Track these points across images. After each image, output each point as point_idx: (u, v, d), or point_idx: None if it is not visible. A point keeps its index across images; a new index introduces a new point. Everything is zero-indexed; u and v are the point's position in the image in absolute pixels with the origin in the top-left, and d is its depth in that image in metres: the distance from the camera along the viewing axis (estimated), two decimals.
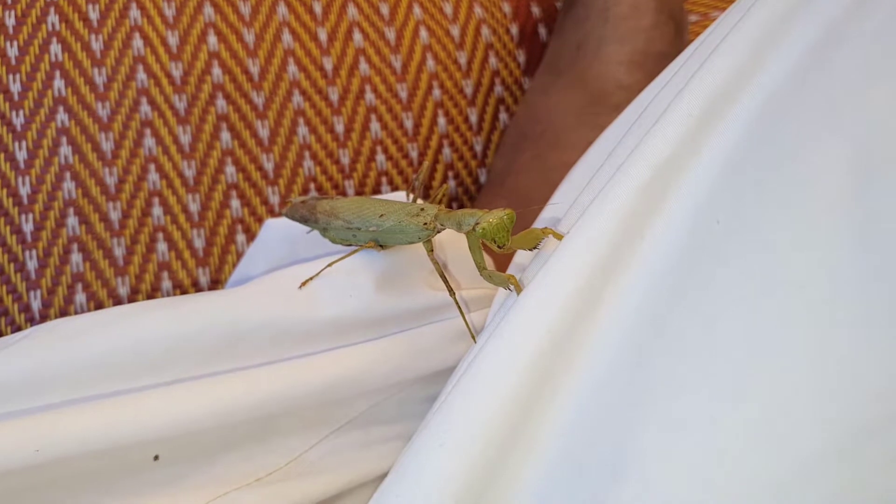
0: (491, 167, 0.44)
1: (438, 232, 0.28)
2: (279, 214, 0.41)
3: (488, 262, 0.31)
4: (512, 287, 0.23)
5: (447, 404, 0.21)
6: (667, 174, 0.21)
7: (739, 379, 0.17)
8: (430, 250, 0.29)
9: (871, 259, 0.17)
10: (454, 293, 0.27)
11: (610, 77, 0.40)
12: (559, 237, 0.23)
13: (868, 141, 0.18)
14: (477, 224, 0.25)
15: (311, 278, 0.29)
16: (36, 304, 0.38)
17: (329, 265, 0.29)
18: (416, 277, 0.31)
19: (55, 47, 0.41)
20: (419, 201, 0.30)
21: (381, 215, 0.29)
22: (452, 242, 0.31)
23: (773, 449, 0.16)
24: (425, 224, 0.28)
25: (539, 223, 0.29)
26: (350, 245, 0.31)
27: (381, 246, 0.30)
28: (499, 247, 0.25)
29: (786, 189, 0.19)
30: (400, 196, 0.34)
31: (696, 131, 0.22)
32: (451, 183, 0.45)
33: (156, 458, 0.26)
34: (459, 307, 0.26)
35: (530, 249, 0.25)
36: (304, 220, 0.32)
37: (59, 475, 0.24)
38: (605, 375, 0.20)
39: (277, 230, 0.34)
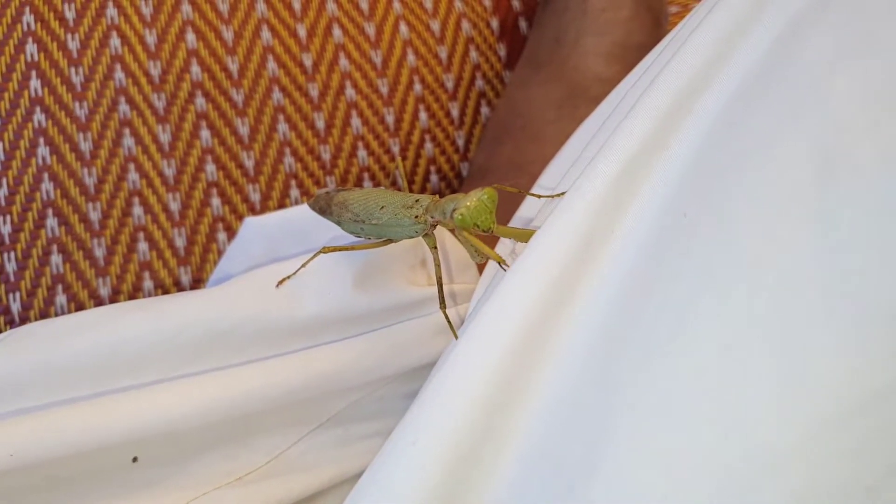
0: (472, 161, 0.44)
1: (433, 226, 0.26)
2: (260, 212, 0.41)
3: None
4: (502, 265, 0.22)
5: (420, 401, 0.21)
6: (635, 169, 0.21)
7: (708, 371, 0.17)
8: (433, 246, 0.27)
9: (833, 250, 0.17)
10: (442, 287, 0.26)
11: (588, 69, 0.40)
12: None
13: (830, 133, 0.18)
14: (455, 210, 0.23)
15: (288, 277, 0.29)
16: (15, 307, 0.38)
17: (303, 265, 0.29)
18: (396, 273, 0.31)
19: (31, 47, 0.41)
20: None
21: (382, 207, 0.28)
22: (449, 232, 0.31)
23: (741, 441, 0.17)
24: (416, 217, 0.26)
25: (514, 221, 0.29)
26: (360, 238, 0.30)
27: (386, 240, 0.28)
28: (484, 231, 0.23)
29: (751, 181, 0.19)
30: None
31: (664, 126, 0.22)
32: (434, 178, 0.45)
33: (134, 459, 0.26)
34: (443, 302, 0.26)
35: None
36: (322, 212, 0.31)
37: (35, 479, 0.24)
38: (578, 369, 0.20)
39: (257, 228, 0.34)
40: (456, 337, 0.23)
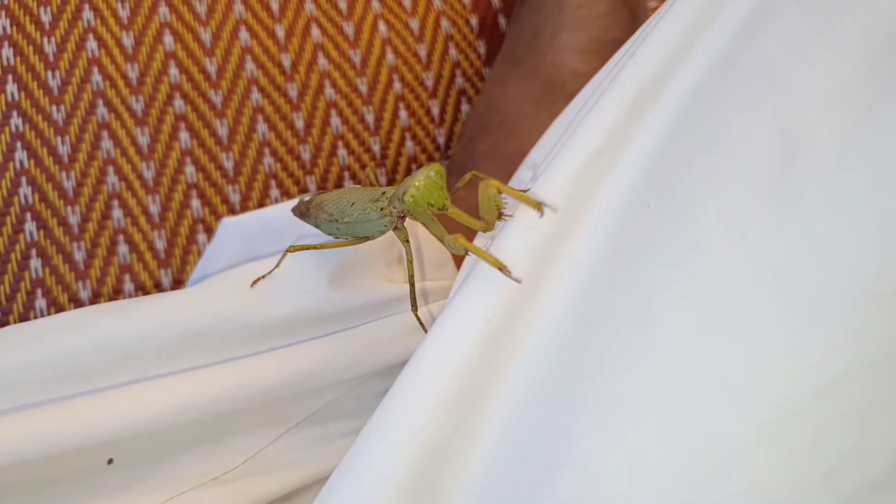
0: (452, 158, 0.44)
1: (400, 217, 0.26)
2: (240, 213, 0.41)
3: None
4: (467, 251, 0.21)
5: (389, 398, 0.21)
6: (602, 161, 0.22)
7: (671, 364, 0.17)
8: (405, 239, 0.26)
9: (792, 239, 0.17)
10: (414, 286, 0.26)
11: (565, 65, 0.40)
12: (505, 189, 0.21)
13: (790, 122, 0.18)
14: (405, 194, 0.22)
15: (262, 277, 0.29)
16: None
17: (276, 266, 0.29)
18: (373, 271, 0.31)
19: (6, 51, 0.40)
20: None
21: (353, 204, 0.27)
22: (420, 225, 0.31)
23: (702, 431, 0.17)
24: (382, 209, 0.26)
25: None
26: (338, 238, 0.29)
27: (363, 238, 0.27)
28: (439, 209, 0.22)
29: (713, 170, 0.19)
30: None
31: (629, 117, 0.22)
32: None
33: (110, 461, 0.26)
34: (414, 304, 0.25)
35: (497, 219, 0.22)
36: (303, 217, 0.30)
37: (10, 481, 0.24)
38: (545, 363, 0.20)
39: (234, 229, 0.34)
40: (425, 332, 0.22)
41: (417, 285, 0.28)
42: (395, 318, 0.30)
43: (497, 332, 0.21)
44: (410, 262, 0.26)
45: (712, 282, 0.18)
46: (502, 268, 0.20)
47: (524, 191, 0.22)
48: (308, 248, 0.27)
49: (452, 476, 0.20)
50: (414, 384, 0.20)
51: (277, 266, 0.29)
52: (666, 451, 0.17)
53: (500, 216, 0.21)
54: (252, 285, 0.29)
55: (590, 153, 0.22)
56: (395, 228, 0.26)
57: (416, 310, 0.26)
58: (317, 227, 0.29)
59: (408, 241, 0.26)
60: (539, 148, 0.29)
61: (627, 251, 0.20)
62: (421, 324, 0.27)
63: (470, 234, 0.30)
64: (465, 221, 0.22)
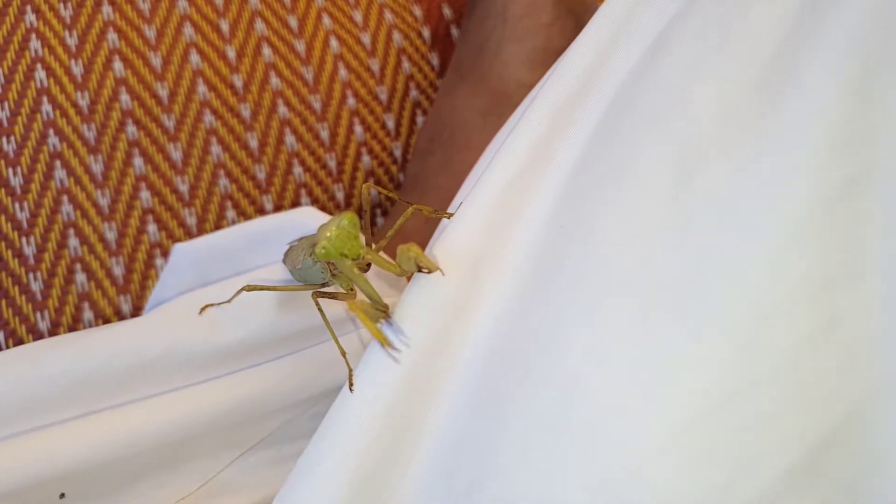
0: (406, 171, 0.44)
1: (330, 264, 0.24)
2: (197, 236, 0.41)
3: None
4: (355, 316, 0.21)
5: (325, 423, 0.22)
6: (521, 183, 0.22)
7: (578, 381, 0.18)
8: (347, 288, 0.24)
9: (686, 256, 0.18)
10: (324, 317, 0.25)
11: (511, 77, 0.41)
12: (421, 258, 0.21)
13: (687, 139, 0.19)
14: (315, 246, 0.22)
15: (210, 305, 0.29)
16: None
17: (227, 301, 0.29)
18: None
19: None
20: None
21: (302, 250, 0.26)
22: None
23: (611, 445, 0.17)
24: (312, 256, 0.25)
25: (438, 231, 0.30)
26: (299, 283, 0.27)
27: (322, 285, 0.25)
28: (353, 259, 0.21)
29: (617, 190, 0.20)
30: (306, 213, 0.34)
31: (548, 138, 0.22)
32: (373, 191, 0.45)
33: (62, 496, 0.26)
34: (331, 330, 0.25)
35: (416, 271, 0.22)
36: (286, 264, 0.29)
37: None
38: (472, 385, 0.21)
39: (186, 254, 0.34)
40: (350, 371, 0.22)
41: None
42: (344, 338, 0.30)
43: (425, 354, 0.21)
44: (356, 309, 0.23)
45: (617, 300, 0.18)
46: (386, 342, 0.21)
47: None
48: (263, 288, 0.27)
49: (390, 498, 0.21)
50: (345, 410, 0.21)
51: (229, 301, 0.29)
52: (577, 466, 0.17)
53: (419, 268, 0.21)
54: (200, 312, 0.29)
55: (509, 176, 0.22)
56: (333, 276, 0.24)
57: (345, 354, 0.25)
58: (291, 274, 0.28)
59: (352, 290, 0.25)
60: (477, 167, 0.29)
61: (541, 273, 0.20)
62: (340, 349, 0.25)
63: None
64: (381, 266, 0.22)
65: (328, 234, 0.21)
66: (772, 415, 0.16)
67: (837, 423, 0.16)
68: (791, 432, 0.16)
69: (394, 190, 0.46)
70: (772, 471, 0.16)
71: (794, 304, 0.16)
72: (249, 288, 0.27)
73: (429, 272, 0.21)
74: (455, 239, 0.22)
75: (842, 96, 0.17)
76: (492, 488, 0.19)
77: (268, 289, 0.27)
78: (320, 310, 0.24)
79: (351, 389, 0.21)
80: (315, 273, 0.25)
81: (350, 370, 0.22)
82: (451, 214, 0.23)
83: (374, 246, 0.26)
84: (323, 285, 0.26)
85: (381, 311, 0.21)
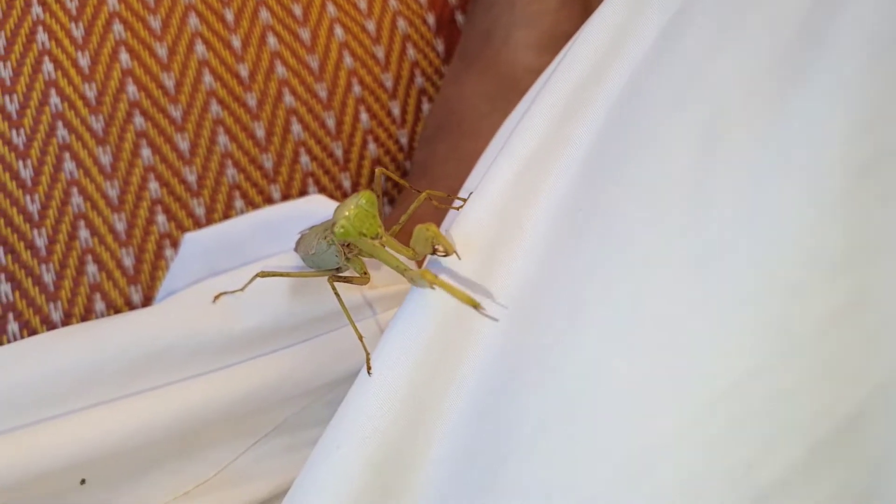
0: (413, 159, 0.44)
1: (346, 247, 0.24)
2: (205, 226, 0.41)
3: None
4: (435, 286, 0.20)
5: (343, 405, 0.22)
6: (536, 166, 0.22)
7: (598, 363, 0.18)
8: (361, 271, 0.24)
9: (708, 233, 0.18)
10: (342, 303, 0.24)
11: (519, 62, 0.40)
12: (440, 238, 0.21)
13: (710, 116, 0.19)
14: (335, 225, 0.21)
15: (223, 293, 0.29)
16: None
17: (241, 289, 0.29)
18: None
19: None
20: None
21: (316, 235, 0.26)
22: None
23: (630, 430, 0.17)
24: (326, 239, 0.24)
25: (448, 219, 0.30)
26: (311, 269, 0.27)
27: (335, 270, 0.25)
28: (373, 238, 0.21)
29: (638, 168, 0.20)
30: (315, 201, 0.34)
31: (562, 121, 0.22)
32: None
33: (83, 482, 0.27)
34: (348, 315, 0.25)
35: (430, 253, 0.22)
36: (297, 252, 0.29)
37: None
38: (489, 368, 0.21)
39: (195, 244, 0.35)
40: (365, 349, 0.22)
41: (368, 294, 0.29)
42: (360, 324, 0.31)
43: (445, 338, 0.21)
44: (340, 282, 0.23)
45: (639, 278, 0.18)
46: (476, 305, 0.19)
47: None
48: (278, 274, 0.27)
49: (409, 480, 0.21)
50: (363, 393, 0.21)
51: (243, 289, 0.29)
52: (598, 453, 0.18)
53: (434, 251, 0.21)
54: (214, 300, 0.30)
55: (523, 158, 0.22)
56: (347, 259, 0.24)
57: (362, 338, 0.25)
58: (304, 261, 0.28)
59: (366, 274, 0.25)
60: (488, 152, 0.29)
61: (559, 257, 0.20)
62: (358, 335, 0.25)
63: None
64: (395, 249, 0.22)
65: (346, 213, 0.21)
66: (798, 390, 0.16)
67: (865, 398, 0.16)
68: (818, 408, 0.16)
69: (402, 175, 0.46)
70: (798, 447, 0.16)
71: (821, 277, 0.16)
72: (263, 274, 0.27)
73: (445, 254, 0.21)
74: (470, 222, 0.22)
75: (872, 66, 0.17)
76: (512, 469, 0.19)
77: (282, 275, 0.27)
78: (337, 294, 0.24)
79: (369, 373, 0.21)
80: (329, 258, 0.25)
81: (367, 353, 0.22)
82: (465, 200, 0.23)
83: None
84: (337, 270, 0.26)
85: (407, 272, 0.21)
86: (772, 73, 0.18)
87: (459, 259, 0.21)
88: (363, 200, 0.21)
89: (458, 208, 0.25)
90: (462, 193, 0.29)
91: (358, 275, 0.25)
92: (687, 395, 0.17)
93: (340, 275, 0.25)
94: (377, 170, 0.26)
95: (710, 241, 0.18)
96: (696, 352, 0.17)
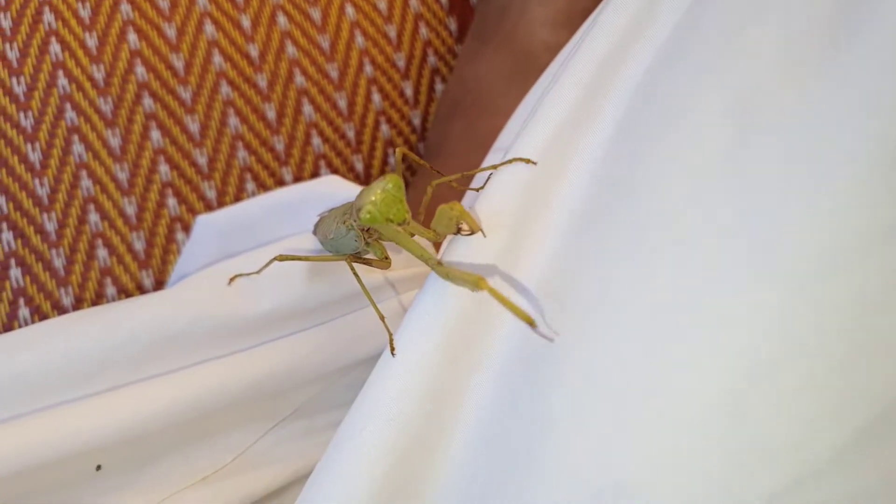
0: (427, 140, 0.43)
1: (365, 231, 0.23)
2: (216, 209, 0.41)
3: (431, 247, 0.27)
4: (483, 290, 0.18)
5: (366, 388, 0.21)
6: (564, 140, 0.21)
7: (633, 340, 0.17)
8: (382, 256, 0.23)
9: (747, 205, 0.17)
10: (363, 284, 0.24)
11: (535, 39, 0.39)
12: (466, 216, 0.20)
13: (745, 89, 0.18)
14: (360, 210, 0.20)
15: (239, 275, 0.29)
16: None
17: (258, 271, 0.28)
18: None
19: None
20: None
21: (335, 219, 0.25)
22: None
23: (674, 415, 0.17)
24: (346, 224, 0.24)
25: (468, 199, 0.29)
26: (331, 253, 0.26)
27: (355, 255, 0.24)
28: (399, 224, 0.20)
29: (672, 142, 0.19)
30: (330, 182, 0.34)
31: (590, 94, 0.21)
32: (392, 160, 0.45)
33: (98, 467, 0.26)
34: (369, 296, 0.24)
35: (454, 234, 0.21)
36: (316, 236, 0.28)
37: (1, 494, 0.24)
38: (518, 349, 0.20)
39: (208, 226, 0.34)
40: (390, 335, 0.22)
41: (393, 274, 0.28)
42: (382, 304, 0.30)
43: (469, 319, 0.21)
44: (360, 263, 0.22)
45: (674, 255, 0.17)
46: (531, 323, 0.18)
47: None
48: (296, 258, 0.26)
49: (433, 462, 0.20)
50: (386, 375, 0.20)
51: (259, 272, 0.28)
52: (636, 440, 0.17)
53: (458, 231, 0.20)
54: (229, 283, 0.29)
55: (551, 131, 0.21)
56: (367, 244, 0.23)
57: (384, 319, 0.24)
58: (322, 245, 0.28)
59: (387, 258, 0.23)
60: (507, 130, 0.28)
61: (593, 231, 0.20)
62: (380, 316, 0.25)
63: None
64: (417, 232, 0.21)
65: (373, 198, 0.20)
66: (840, 371, 0.15)
67: None
68: (862, 389, 0.15)
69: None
70: (842, 430, 0.15)
71: (861, 253, 0.15)
72: (282, 258, 0.26)
73: (470, 233, 0.20)
74: (496, 199, 0.21)
75: None
76: (540, 455, 0.18)
77: (300, 259, 0.26)
78: (356, 274, 0.24)
79: (393, 353, 0.21)
80: (348, 242, 0.24)
81: (391, 334, 0.21)
82: (481, 187, 0.22)
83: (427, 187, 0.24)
84: (356, 254, 0.25)
85: (439, 265, 0.20)
86: (810, 42, 0.18)
87: (485, 237, 0.21)
88: (390, 185, 0.20)
89: (478, 189, 0.24)
90: (477, 175, 0.28)
91: (378, 259, 0.24)
92: (725, 373, 0.16)
93: (361, 257, 0.24)
94: (398, 149, 0.25)
95: (748, 215, 0.17)
96: (735, 328, 0.16)
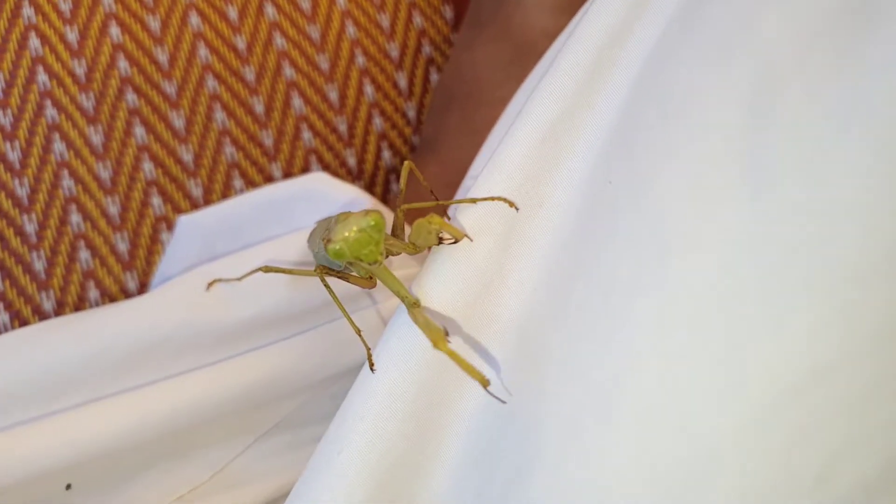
0: (422, 132, 0.42)
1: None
2: (203, 207, 0.39)
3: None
4: (440, 351, 0.17)
5: (344, 408, 0.20)
6: (559, 132, 0.19)
7: (637, 358, 0.16)
8: (366, 276, 0.21)
9: (766, 207, 0.15)
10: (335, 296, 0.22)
11: (534, 25, 0.38)
12: (446, 227, 0.19)
13: (759, 75, 0.16)
14: (329, 243, 0.19)
15: (218, 280, 0.27)
16: None
17: (239, 279, 0.26)
18: None
19: None
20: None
21: (321, 234, 0.23)
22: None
23: (677, 438, 0.15)
24: (324, 241, 0.21)
25: (462, 190, 0.27)
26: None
27: (344, 270, 0.22)
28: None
29: (677, 136, 0.17)
30: (317, 179, 0.32)
31: (587, 82, 0.20)
32: (386, 154, 0.43)
33: (68, 486, 0.25)
34: (344, 311, 0.23)
35: (436, 244, 0.19)
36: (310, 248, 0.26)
37: None
38: (508, 367, 0.18)
39: (192, 227, 0.32)
40: (368, 350, 0.20)
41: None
42: (362, 313, 0.28)
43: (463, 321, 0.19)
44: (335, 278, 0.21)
45: (684, 261, 0.16)
46: (485, 383, 0.17)
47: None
48: (281, 270, 0.25)
49: (418, 486, 0.19)
50: (365, 392, 0.19)
51: (240, 279, 0.27)
52: (639, 455, 0.15)
53: (440, 241, 0.19)
54: (208, 288, 0.27)
55: (545, 124, 0.19)
56: (351, 264, 0.21)
57: (369, 350, 0.21)
58: (313, 256, 0.25)
59: (371, 279, 0.21)
60: (505, 118, 0.27)
61: (590, 231, 0.18)
62: (355, 329, 0.23)
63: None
64: (394, 249, 0.20)
65: (346, 234, 0.18)
66: (871, 393, 0.13)
67: None
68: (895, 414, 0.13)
69: (410, 150, 0.43)
70: (873, 459, 0.13)
71: (892, 262, 0.14)
72: (267, 269, 0.24)
73: (454, 241, 0.19)
74: (482, 201, 0.19)
75: None
76: (538, 475, 0.17)
77: (285, 271, 0.24)
78: (328, 288, 0.22)
79: (372, 370, 0.19)
80: (332, 260, 0.22)
81: (368, 349, 0.19)
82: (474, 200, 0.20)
83: (398, 209, 0.23)
84: (342, 271, 0.23)
85: (414, 305, 0.18)
86: (830, 28, 0.16)
87: (471, 241, 0.19)
88: (371, 223, 0.18)
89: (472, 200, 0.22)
90: (473, 168, 0.26)
91: (362, 277, 0.22)
92: (744, 394, 0.14)
93: (345, 273, 0.22)
94: (406, 162, 0.23)
95: (766, 217, 0.15)
96: (755, 346, 0.14)
